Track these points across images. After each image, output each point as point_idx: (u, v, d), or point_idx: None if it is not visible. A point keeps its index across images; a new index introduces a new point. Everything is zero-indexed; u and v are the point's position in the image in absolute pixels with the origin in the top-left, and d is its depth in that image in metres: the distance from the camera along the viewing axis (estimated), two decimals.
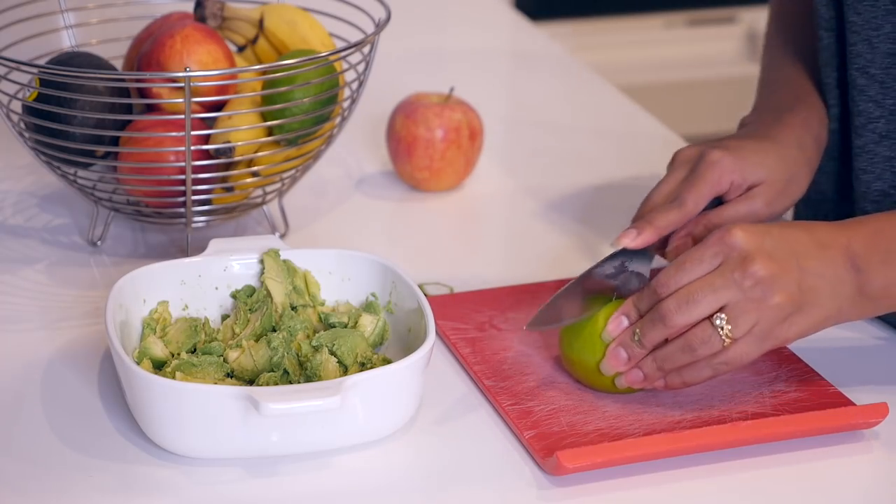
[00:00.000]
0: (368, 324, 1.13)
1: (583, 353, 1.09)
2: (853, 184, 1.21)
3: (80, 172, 1.31)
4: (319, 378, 1.07)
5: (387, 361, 1.10)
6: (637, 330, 1.06)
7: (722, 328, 1.03)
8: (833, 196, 1.27)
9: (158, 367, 1.08)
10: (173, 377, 1.05)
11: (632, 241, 1.13)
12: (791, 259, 1.04)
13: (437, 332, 1.16)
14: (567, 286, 1.12)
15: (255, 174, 1.29)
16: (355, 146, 1.54)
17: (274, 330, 1.12)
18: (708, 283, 1.03)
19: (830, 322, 1.06)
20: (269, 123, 1.26)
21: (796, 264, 1.04)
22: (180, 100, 1.23)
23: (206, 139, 1.25)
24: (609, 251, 1.14)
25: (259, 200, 1.34)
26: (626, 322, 1.07)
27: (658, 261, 1.18)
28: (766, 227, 1.05)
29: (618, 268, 1.14)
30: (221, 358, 1.09)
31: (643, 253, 1.14)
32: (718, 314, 1.03)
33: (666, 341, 1.06)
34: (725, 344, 1.03)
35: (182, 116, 1.21)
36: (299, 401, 0.98)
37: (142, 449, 1.04)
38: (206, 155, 1.25)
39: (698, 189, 1.15)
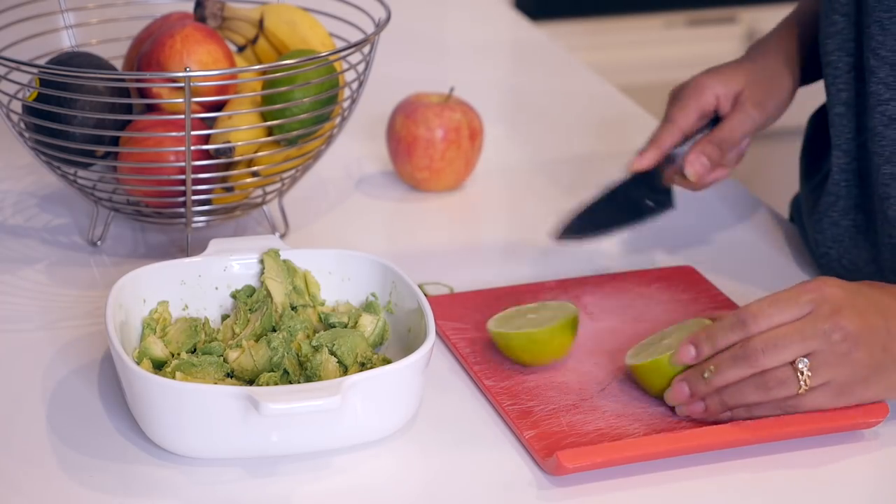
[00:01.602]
0: (368, 324, 1.13)
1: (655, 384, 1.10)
2: (872, 169, 1.21)
3: (80, 172, 1.31)
4: (319, 378, 1.07)
5: (387, 361, 1.10)
6: (711, 367, 1.05)
7: (802, 373, 1.03)
8: (846, 178, 1.26)
9: (158, 367, 1.08)
10: (173, 377, 1.05)
11: (639, 162, 1.26)
12: (879, 320, 1.04)
13: (437, 332, 1.16)
14: (597, 198, 1.26)
15: (255, 174, 1.28)
16: (355, 146, 1.54)
17: (274, 330, 1.12)
18: (798, 330, 1.03)
19: None
20: (269, 123, 1.26)
21: (884, 325, 1.04)
22: (180, 100, 1.23)
23: (206, 139, 1.25)
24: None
25: (259, 200, 1.34)
26: (693, 352, 1.06)
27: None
28: (859, 285, 1.06)
29: (641, 192, 1.27)
30: (221, 358, 1.09)
31: (659, 185, 1.28)
32: (802, 358, 1.03)
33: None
34: (801, 390, 1.03)
35: (182, 116, 1.21)
36: (299, 401, 0.98)
37: (142, 449, 1.04)
38: (206, 155, 1.25)
39: (682, 104, 1.28)
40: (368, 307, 1.15)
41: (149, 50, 1.27)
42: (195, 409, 1.01)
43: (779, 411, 1.05)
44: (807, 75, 1.33)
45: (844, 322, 1.03)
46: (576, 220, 1.28)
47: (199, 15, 1.33)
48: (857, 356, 1.03)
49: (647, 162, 1.25)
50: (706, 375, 1.05)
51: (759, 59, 1.31)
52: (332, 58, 1.25)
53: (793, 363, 1.03)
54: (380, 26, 1.29)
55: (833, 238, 1.26)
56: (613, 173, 1.45)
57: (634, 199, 1.29)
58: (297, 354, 1.09)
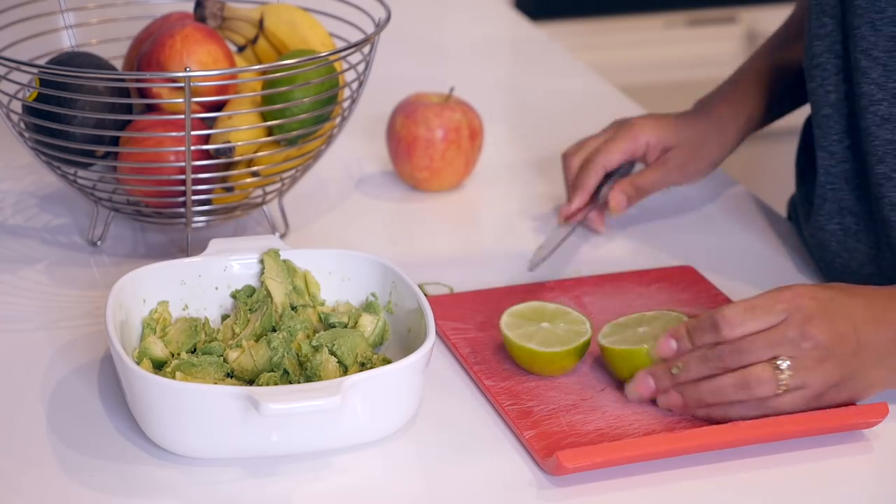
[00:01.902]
0: (368, 324, 1.13)
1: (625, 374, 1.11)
2: (869, 169, 1.21)
3: (80, 172, 1.31)
4: (319, 378, 1.07)
5: (387, 361, 1.10)
6: (679, 364, 1.07)
7: (783, 372, 1.04)
8: (838, 181, 1.26)
9: (158, 367, 1.08)
10: (173, 377, 1.05)
11: (569, 210, 1.34)
12: (849, 328, 1.06)
13: (437, 332, 1.16)
14: (565, 235, 1.32)
15: (255, 174, 1.28)
16: (355, 146, 1.54)
17: (274, 330, 1.12)
18: (767, 338, 1.05)
19: (878, 389, 1.08)
20: (269, 123, 1.26)
21: (853, 334, 1.06)
22: (180, 100, 1.23)
23: (206, 139, 1.25)
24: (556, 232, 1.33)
25: (259, 200, 1.34)
26: (674, 346, 1.07)
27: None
28: (833, 292, 1.08)
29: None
30: (221, 358, 1.09)
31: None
32: (784, 360, 1.04)
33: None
34: (780, 391, 1.04)
35: (182, 116, 1.21)
36: (299, 401, 0.98)
37: (142, 449, 1.04)
38: (206, 155, 1.25)
39: (615, 143, 1.36)
40: (368, 307, 1.15)
41: (149, 50, 1.27)
42: (195, 409, 1.01)
43: (755, 412, 1.06)
44: (772, 113, 1.40)
45: (815, 332, 1.05)
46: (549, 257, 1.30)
47: (199, 15, 1.33)
48: (827, 365, 1.05)
49: (575, 206, 1.34)
50: (674, 371, 1.07)
51: (700, 120, 1.38)
52: (332, 58, 1.25)
53: (774, 363, 1.04)
54: (380, 26, 1.29)
55: (825, 239, 1.27)
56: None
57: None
58: (297, 354, 1.09)
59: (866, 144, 1.19)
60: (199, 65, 1.25)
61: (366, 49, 1.29)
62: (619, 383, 1.12)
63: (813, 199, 1.28)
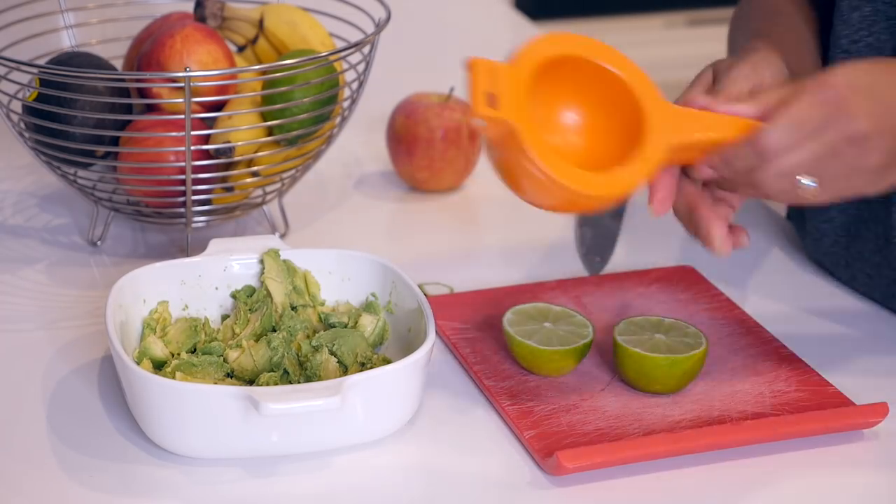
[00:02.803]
0: (368, 324, 1.13)
1: (642, 382, 1.11)
2: None
3: (80, 172, 1.31)
4: (319, 378, 1.07)
5: (387, 361, 1.10)
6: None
7: (803, 188, 1.03)
8: None
9: (158, 367, 1.08)
10: (173, 377, 1.05)
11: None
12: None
13: (437, 332, 1.16)
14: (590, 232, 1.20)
15: (255, 174, 1.29)
16: (355, 146, 1.54)
17: (274, 330, 1.12)
18: (811, 163, 1.02)
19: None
20: (269, 123, 1.26)
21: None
22: (180, 100, 1.23)
23: (206, 139, 1.25)
24: None
25: (259, 200, 1.34)
26: (710, 173, 1.04)
27: None
28: (871, 76, 1.04)
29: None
30: (221, 358, 1.09)
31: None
32: (810, 180, 1.03)
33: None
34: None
35: (182, 116, 1.21)
36: (299, 401, 0.98)
37: (142, 449, 1.04)
38: (206, 155, 1.25)
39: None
40: (368, 307, 1.15)
41: (149, 50, 1.27)
42: (195, 409, 1.01)
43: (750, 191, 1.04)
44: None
45: (860, 134, 1.01)
46: (599, 251, 1.27)
47: (199, 15, 1.33)
48: (870, 160, 1.02)
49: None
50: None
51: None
52: (332, 58, 1.26)
53: (809, 181, 1.03)
54: (380, 26, 1.29)
55: (819, 238, 1.27)
56: None
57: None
58: (297, 354, 1.09)
59: None
60: (199, 65, 1.25)
61: (366, 49, 1.29)
62: (620, 383, 1.12)
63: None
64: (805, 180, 1.03)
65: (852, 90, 1.02)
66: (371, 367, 1.08)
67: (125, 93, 1.27)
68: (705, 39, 2.78)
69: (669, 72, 2.73)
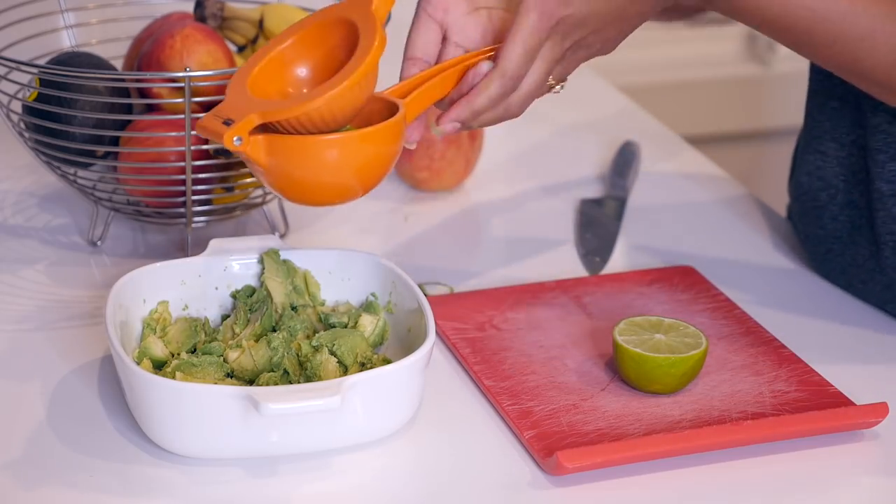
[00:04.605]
0: (368, 324, 1.13)
1: (647, 383, 1.11)
2: (867, 164, 1.21)
3: (80, 172, 1.31)
4: (319, 378, 1.07)
5: (387, 361, 1.10)
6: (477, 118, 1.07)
7: (554, 88, 1.09)
8: (844, 183, 1.26)
9: (158, 367, 1.09)
10: (173, 377, 1.05)
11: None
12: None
13: (437, 332, 1.16)
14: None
15: None
16: None
17: (274, 330, 1.12)
18: (546, 72, 1.06)
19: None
20: None
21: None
22: (180, 100, 1.23)
23: (206, 139, 1.25)
24: None
25: (259, 200, 1.34)
26: (458, 127, 1.07)
27: None
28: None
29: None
30: (221, 358, 1.09)
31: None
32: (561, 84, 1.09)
33: None
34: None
35: (182, 116, 1.21)
36: (299, 401, 0.98)
37: (142, 449, 1.04)
38: (206, 155, 1.25)
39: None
40: (368, 307, 1.15)
41: (149, 50, 1.27)
42: (195, 410, 1.01)
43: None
44: None
45: (583, 35, 1.06)
46: (599, 252, 1.30)
47: (199, 15, 1.33)
48: (605, 35, 1.08)
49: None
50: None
51: None
52: None
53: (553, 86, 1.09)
54: None
55: (815, 245, 1.27)
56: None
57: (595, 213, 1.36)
58: (297, 354, 1.09)
59: (877, 142, 1.20)
60: (199, 65, 1.25)
61: None
62: (620, 383, 1.12)
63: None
64: (556, 87, 1.08)
65: None
66: (371, 368, 1.08)
67: (125, 93, 1.27)
68: (705, 39, 2.78)
69: (669, 72, 2.73)
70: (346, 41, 1.04)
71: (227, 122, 0.99)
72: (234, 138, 0.98)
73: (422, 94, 1.06)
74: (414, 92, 1.05)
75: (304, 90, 1.05)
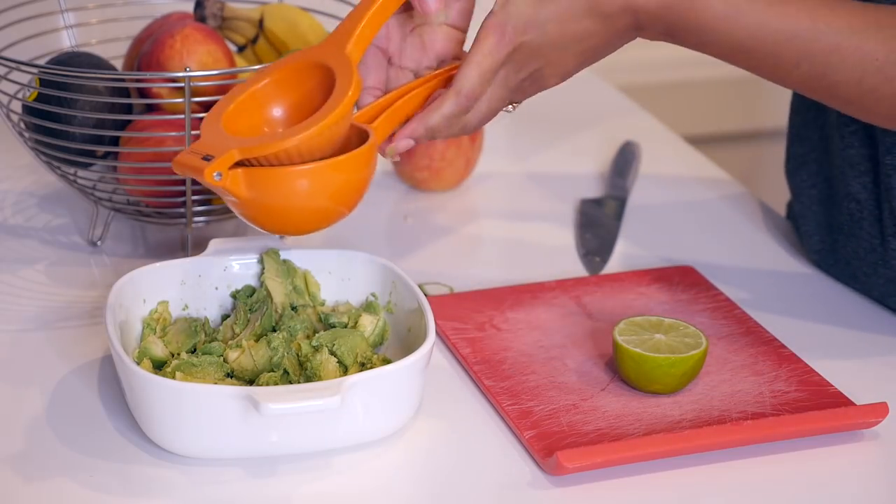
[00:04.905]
0: (368, 324, 1.13)
1: (645, 383, 1.11)
2: (879, 158, 1.21)
3: (80, 172, 1.31)
4: (319, 378, 1.07)
5: (387, 361, 1.10)
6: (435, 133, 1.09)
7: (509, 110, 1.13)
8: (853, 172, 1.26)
9: (158, 367, 1.08)
10: (173, 377, 1.05)
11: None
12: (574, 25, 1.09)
13: (437, 332, 1.16)
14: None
15: None
16: None
17: (274, 330, 1.12)
18: (502, 97, 1.09)
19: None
20: None
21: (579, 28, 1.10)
22: (180, 100, 1.23)
23: None
24: None
25: None
26: (412, 144, 1.09)
27: None
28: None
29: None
30: (221, 358, 1.09)
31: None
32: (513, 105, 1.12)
33: None
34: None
35: (182, 116, 1.21)
36: (299, 401, 0.98)
37: (142, 449, 1.04)
38: None
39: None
40: (368, 307, 1.15)
41: (149, 50, 1.27)
42: (195, 409, 1.01)
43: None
44: None
45: (535, 64, 1.08)
46: (599, 252, 1.31)
47: (199, 15, 1.33)
48: (558, 59, 1.09)
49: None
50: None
51: None
52: None
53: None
54: None
55: (811, 233, 1.27)
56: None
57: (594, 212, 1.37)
58: (297, 354, 1.09)
59: (879, 132, 1.20)
60: (199, 65, 1.25)
61: None
62: (620, 383, 1.12)
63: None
64: (508, 108, 1.11)
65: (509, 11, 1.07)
66: (371, 368, 1.08)
67: (125, 93, 1.27)
68: None
69: (669, 72, 2.73)
70: (322, 84, 1.07)
71: (207, 158, 1.01)
72: (215, 174, 1.01)
73: (390, 116, 1.09)
74: (382, 115, 1.09)
75: (280, 129, 1.08)
